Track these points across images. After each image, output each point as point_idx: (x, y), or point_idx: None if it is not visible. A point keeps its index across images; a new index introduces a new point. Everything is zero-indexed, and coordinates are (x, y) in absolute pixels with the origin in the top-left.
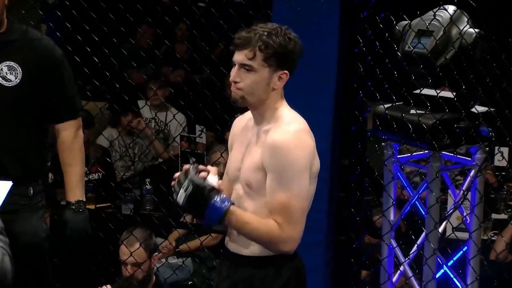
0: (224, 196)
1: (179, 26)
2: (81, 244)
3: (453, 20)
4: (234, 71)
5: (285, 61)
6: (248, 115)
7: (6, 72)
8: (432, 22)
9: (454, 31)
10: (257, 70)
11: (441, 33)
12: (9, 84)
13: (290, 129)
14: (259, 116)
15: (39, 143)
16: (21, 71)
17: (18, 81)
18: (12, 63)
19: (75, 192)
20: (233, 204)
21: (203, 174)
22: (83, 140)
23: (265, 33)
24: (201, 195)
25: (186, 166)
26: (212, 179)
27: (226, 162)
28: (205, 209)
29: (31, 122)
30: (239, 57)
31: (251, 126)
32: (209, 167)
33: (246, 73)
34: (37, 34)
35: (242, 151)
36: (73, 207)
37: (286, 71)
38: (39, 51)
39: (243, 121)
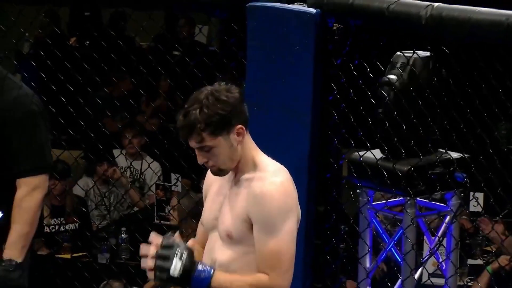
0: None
1: (161, 83)
2: None
3: (424, 65)
4: (197, 155)
5: (230, 121)
6: None
7: None
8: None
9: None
10: (214, 145)
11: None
12: None
13: (276, 179)
14: (237, 168)
15: (7, 198)
16: None
17: None
18: None
19: (10, 251)
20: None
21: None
22: (60, 190)
23: (198, 110)
24: (191, 260)
25: (157, 240)
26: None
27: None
28: (193, 275)
29: None
30: (192, 144)
31: (229, 175)
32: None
33: (207, 153)
34: (14, 84)
35: (219, 200)
36: (4, 265)
37: (239, 125)
38: (7, 105)
39: None
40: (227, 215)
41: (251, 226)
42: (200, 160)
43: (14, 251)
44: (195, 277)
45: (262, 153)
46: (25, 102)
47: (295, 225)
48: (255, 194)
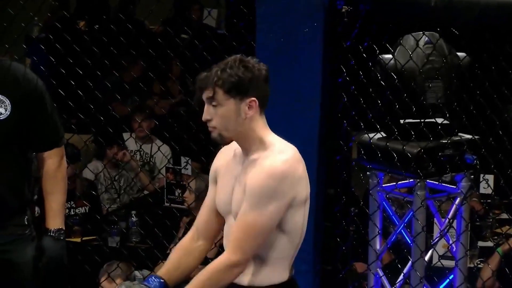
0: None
1: (172, 65)
2: (56, 272)
3: (437, 48)
4: (204, 110)
5: (247, 89)
6: (235, 145)
7: None
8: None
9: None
10: (223, 104)
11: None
12: (0, 117)
13: (281, 157)
14: (245, 148)
15: (27, 173)
16: (9, 103)
17: (9, 113)
18: (0, 96)
19: (55, 220)
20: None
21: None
22: (69, 173)
23: (220, 69)
24: None
25: None
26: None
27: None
28: None
29: (20, 153)
30: (204, 95)
31: (239, 156)
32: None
33: (214, 109)
34: (19, 66)
35: (231, 183)
36: (53, 235)
37: (253, 98)
38: (23, 83)
39: (230, 151)
40: (239, 197)
41: None
42: (205, 116)
43: (58, 219)
44: None
45: (273, 133)
46: (37, 79)
47: (283, 208)
48: (255, 169)
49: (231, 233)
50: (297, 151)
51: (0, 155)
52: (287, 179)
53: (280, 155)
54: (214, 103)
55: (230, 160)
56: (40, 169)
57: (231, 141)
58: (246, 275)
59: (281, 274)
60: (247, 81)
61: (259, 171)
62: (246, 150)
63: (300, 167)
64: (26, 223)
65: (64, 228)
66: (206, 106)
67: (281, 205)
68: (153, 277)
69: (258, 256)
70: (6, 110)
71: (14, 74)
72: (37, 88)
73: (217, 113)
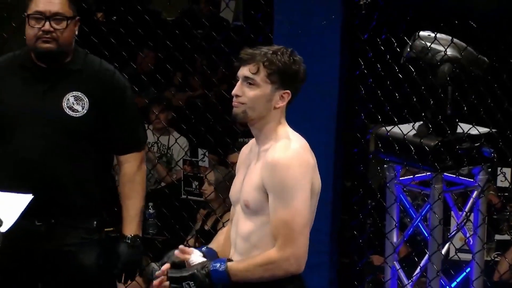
0: (214, 261)
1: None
2: (129, 279)
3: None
4: (237, 86)
5: (288, 80)
6: (253, 140)
7: (72, 103)
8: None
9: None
10: (260, 85)
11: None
12: (76, 114)
13: (289, 146)
14: (260, 135)
15: (103, 175)
16: (87, 102)
17: (85, 111)
18: (78, 93)
19: (132, 226)
20: (228, 260)
21: (184, 257)
22: None
23: (270, 51)
24: (202, 278)
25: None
26: (195, 257)
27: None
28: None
29: (96, 154)
30: (243, 71)
31: (253, 149)
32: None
33: (248, 87)
34: (98, 61)
35: (243, 173)
36: (128, 241)
37: (288, 91)
38: (103, 80)
39: (248, 146)
40: (246, 185)
41: (267, 195)
42: (236, 90)
43: (136, 226)
44: (213, 279)
45: (288, 127)
46: (118, 75)
47: (309, 193)
48: (269, 162)
49: (274, 229)
50: (305, 141)
51: (72, 153)
52: (302, 165)
53: (290, 145)
54: (250, 82)
55: (246, 155)
56: (118, 172)
57: (249, 122)
58: None
59: None
60: (291, 73)
61: (274, 166)
62: (261, 139)
63: (311, 157)
64: (95, 226)
65: (140, 235)
66: (239, 82)
67: (307, 190)
68: (205, 247)
69: (265, 248)
70: (83, 108)
71: (93, 70)
72: (118, 86)
73: (250, 92)
